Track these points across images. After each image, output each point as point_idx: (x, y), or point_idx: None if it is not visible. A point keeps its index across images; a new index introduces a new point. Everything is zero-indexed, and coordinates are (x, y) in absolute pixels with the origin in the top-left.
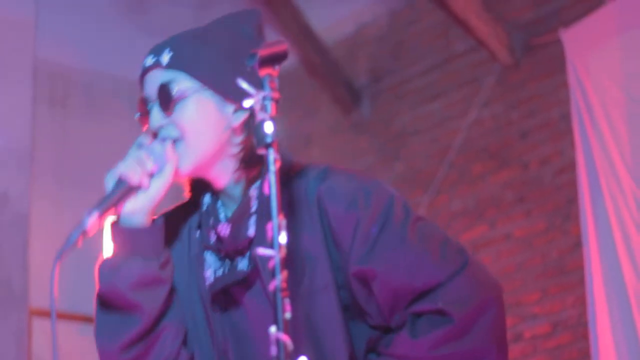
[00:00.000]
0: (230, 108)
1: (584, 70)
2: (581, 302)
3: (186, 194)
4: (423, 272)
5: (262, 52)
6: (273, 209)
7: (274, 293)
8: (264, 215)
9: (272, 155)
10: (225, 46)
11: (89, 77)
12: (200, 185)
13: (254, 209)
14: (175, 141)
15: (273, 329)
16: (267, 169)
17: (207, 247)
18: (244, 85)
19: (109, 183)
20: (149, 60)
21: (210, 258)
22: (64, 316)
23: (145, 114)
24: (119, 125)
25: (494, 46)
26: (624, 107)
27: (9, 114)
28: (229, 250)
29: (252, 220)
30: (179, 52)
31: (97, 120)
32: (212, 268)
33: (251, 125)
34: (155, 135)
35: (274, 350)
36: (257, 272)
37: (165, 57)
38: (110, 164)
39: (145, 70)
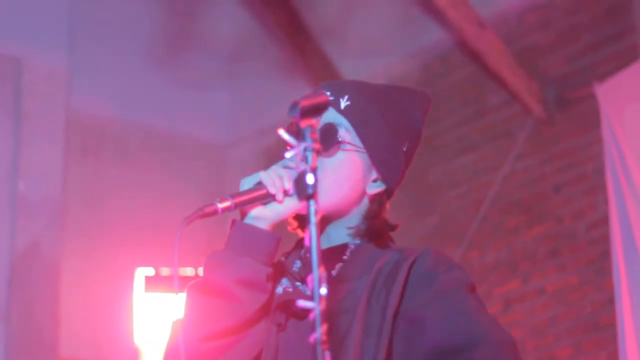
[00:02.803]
0: (372, 176)
1: (619, 124)
2: (614, 359)
3: (292, 229)
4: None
5: (304, 102)
6: (314, 261)
7: (314, 345)
8: (353, 264)
9: (313, 206)
10: (394, 122)
11: (121, 129)
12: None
13: (346, 257)
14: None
15: None
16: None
17: (287, 273)
18: (285, 135)
19: (245, 184)
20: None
21: (285, 282)
22: None
23: (293, 134)
24: (151, 177)
25: (528, 100)
26: None
27: (41, 165)
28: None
29: (340, 265)
30: (356, 106)
31: (130, 172)
32: (283, 286)
33: (381, 201)
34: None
35: None
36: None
37: (343, 103)
38: (143, 216)
39: None
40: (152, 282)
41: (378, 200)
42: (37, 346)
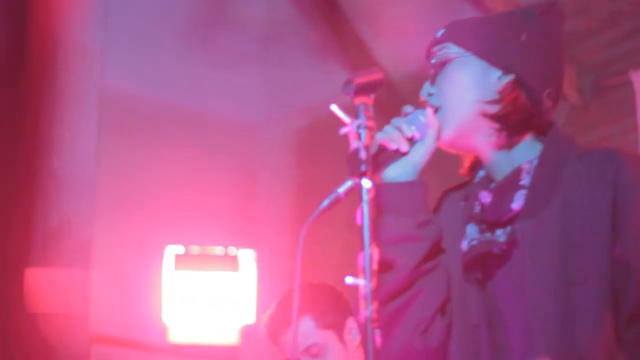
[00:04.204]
0: (494, 74)
1: None
2: None
3: (463, 170)
4: None
5: (358, 80)
6: (365, 239)
7: (365, 323)
8: (539, 191)
9: (366, 184)
10: (502, 21)
11: (154, 108)
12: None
13: (524, 182)
14: (437, 109)
15: None
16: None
17: (471, 218)
18: (339, 112)
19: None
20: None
21: (471, 229)
22: (124, 343)
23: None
24: (182, 157)
25: (564, 86)
26: None
27: (73, 142)
28: (489, 220)
29: (520, 194)
30: (451, 27)
31: (161, 151)
32: (469, 238)
33: (513, 91)
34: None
35: None
36: (515, 246)
37: (439, 33)
38: (173, 194)
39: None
40: (182, 260)
41: (510, 91)
42: (67, 322)
